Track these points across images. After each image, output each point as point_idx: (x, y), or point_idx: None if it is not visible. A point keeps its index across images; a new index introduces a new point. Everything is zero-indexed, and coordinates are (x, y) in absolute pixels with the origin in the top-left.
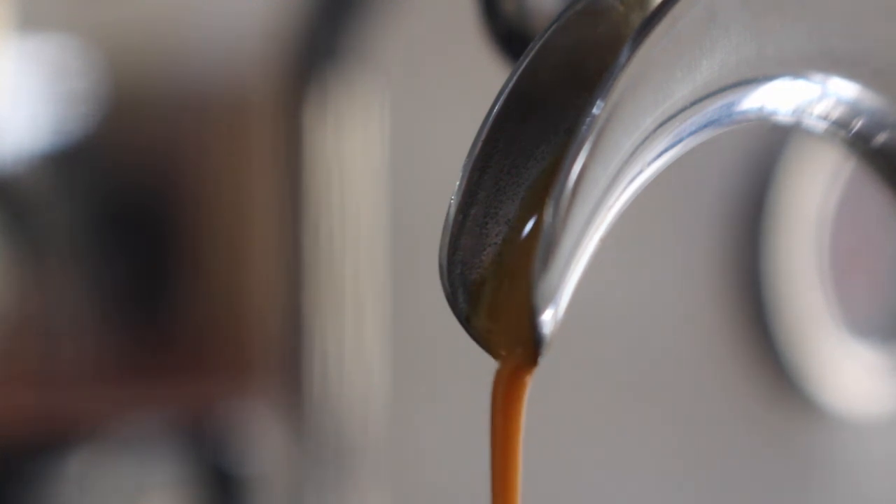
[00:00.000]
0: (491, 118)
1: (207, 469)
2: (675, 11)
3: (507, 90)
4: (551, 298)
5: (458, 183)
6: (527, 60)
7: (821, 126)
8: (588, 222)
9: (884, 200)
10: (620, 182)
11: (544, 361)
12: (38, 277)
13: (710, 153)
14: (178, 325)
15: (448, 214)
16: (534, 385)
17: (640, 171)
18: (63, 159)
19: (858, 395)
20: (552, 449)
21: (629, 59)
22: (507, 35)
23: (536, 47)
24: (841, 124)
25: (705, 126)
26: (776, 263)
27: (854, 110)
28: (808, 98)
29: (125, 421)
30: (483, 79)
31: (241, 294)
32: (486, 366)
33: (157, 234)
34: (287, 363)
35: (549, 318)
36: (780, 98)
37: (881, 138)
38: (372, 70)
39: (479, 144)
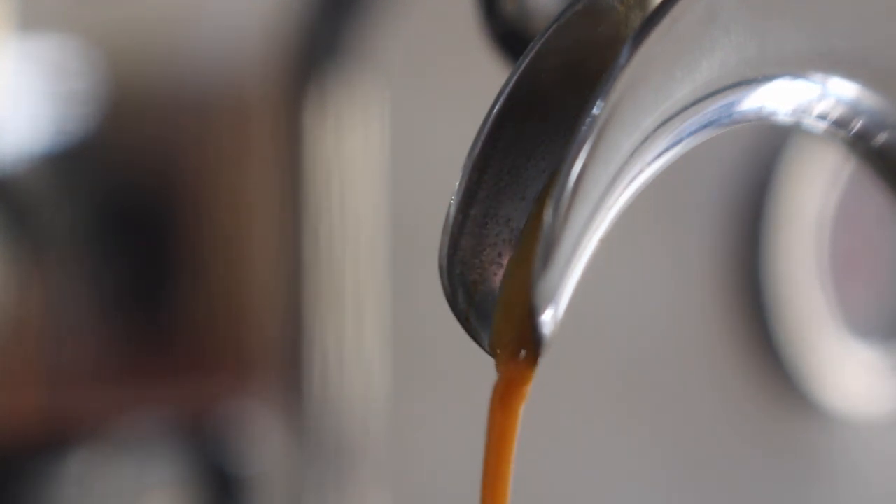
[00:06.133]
0: (491, 118)
1: (207, 469)
2: (675, 11)
3: (507, 90)
4: (551, 298)
5: (458, 183)
6: (527, 60)
7: (821, 126)
8: (588, 222)
9: (884, 200)
10: (620, 182)
11: (544, 362)
12: (38, 277)
13: (710, 153)
14: (178, 324)
15: (448, 214)
16: (532, 386)
17: (640, 171)
18: (63, 159)
19: (858, 395)
20: (551, 450)
21: (629, 59)
22: (507, 35)
23: (536, 47)
24: (841, 124)
25: (705, 126)
26: (776, 264)
27: (854, 110)
28: (808, 98)
29: (125, 421)
30: (483, 79)
31: (241, 294)
32: (486, 366)
33: (157, 234)
34: (287, 363)
35: (548, 318)
36: (780, 98)
37: (881, 138)
38: (372, 70)
39: (479, 144)
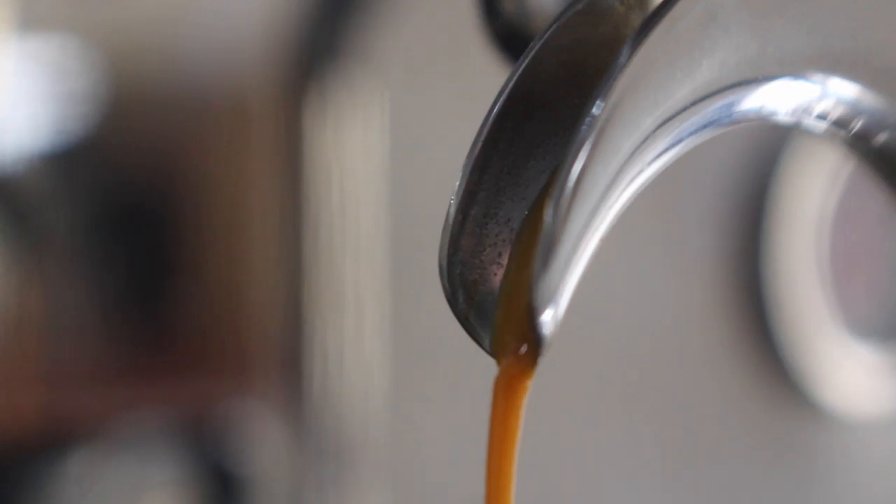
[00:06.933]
0: (491, 118)
1: (208, 469)
2: (675, 11)
3: (507, 90)
4: (551, 298)
5: (458, 183)
6: (527, 60)
7: (821, 126)
8: (588, 222)
9: (884, 200)
10: (620, 182)
11: (544, 362)
12: (38, 277)
13: (710, 153)
14: (178, 324)
15: (448, 214)
16: (533, 386)
17: (640, 171)
18: (63, 159)
19: (858, 396)
20: (551, 450)
21: (629, 59)
22: (507, 35)
23: (536, 47)
24: (841, 124)
25: (705, 126)
26: (776, 264)
27: (854, 110)
28: (808, 98)
29: (125, 421)
30: (483, 79)
31: (241, 294)
32: (486, 366)
33: (158, 234)
34: (287, 363)
35: (549, 319)
36: (780, 98)
37: (881, 138)
38: (372, 70)
39: (479, 144)
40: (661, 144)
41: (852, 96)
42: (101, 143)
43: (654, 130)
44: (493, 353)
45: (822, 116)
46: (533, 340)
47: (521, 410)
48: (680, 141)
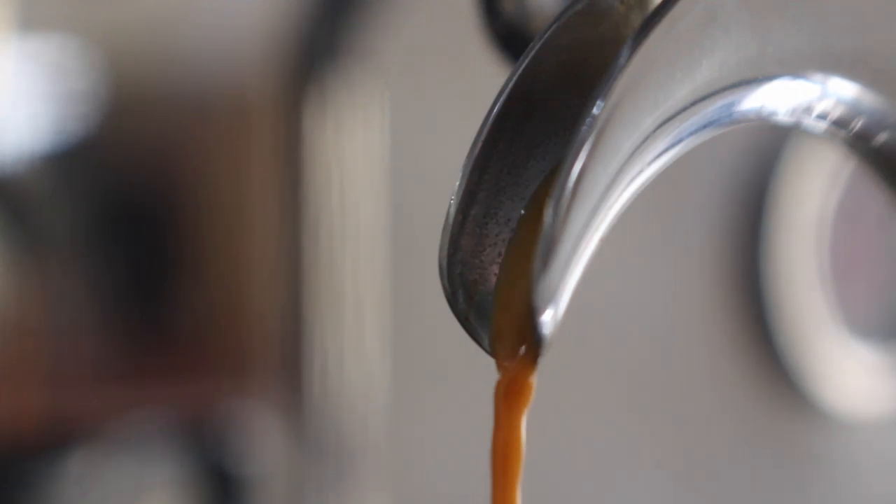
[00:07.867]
0: (491, 118)
1: (207, 469)
2: (675, 11)
3: (507, 90)
4: (551, 298)
5: (458, 183)
6: (527, 60)
7: (821, 126)
8: (588, 222)
9: (884, 200)
10: (620, 182)
11: (544, 362)
12: (38, 277)
13: (710, 154)
14: (179, 325)
15: (448, 214)
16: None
17: (640, 171)
18: (63, 159)
19: (858, 395)
20: (552, 450)
21: (629, 59)
22: (507, 35)
23: (536, 47)
24: (841, 124)
25: (705, 126)
26: (776, 264)
27: (854, 110)
28: (808, 98)
29: (125, 421)
30: (483, 79)
31: (241, 294)
32: (486, 366)
33: (158, 234)
34: (287, 363)
35: (548, 319)
36: (780, 98)
37: (881, 138)
38: (372, 70)
39: (479, 144)
40: (661, 144)
41: (852, 96)
42: (101, 143)
43: (654, 130)
44: (493, 353)
45: (822, 116)
46: (533, 341)
47: (524, 409)
48: (680, 141)
